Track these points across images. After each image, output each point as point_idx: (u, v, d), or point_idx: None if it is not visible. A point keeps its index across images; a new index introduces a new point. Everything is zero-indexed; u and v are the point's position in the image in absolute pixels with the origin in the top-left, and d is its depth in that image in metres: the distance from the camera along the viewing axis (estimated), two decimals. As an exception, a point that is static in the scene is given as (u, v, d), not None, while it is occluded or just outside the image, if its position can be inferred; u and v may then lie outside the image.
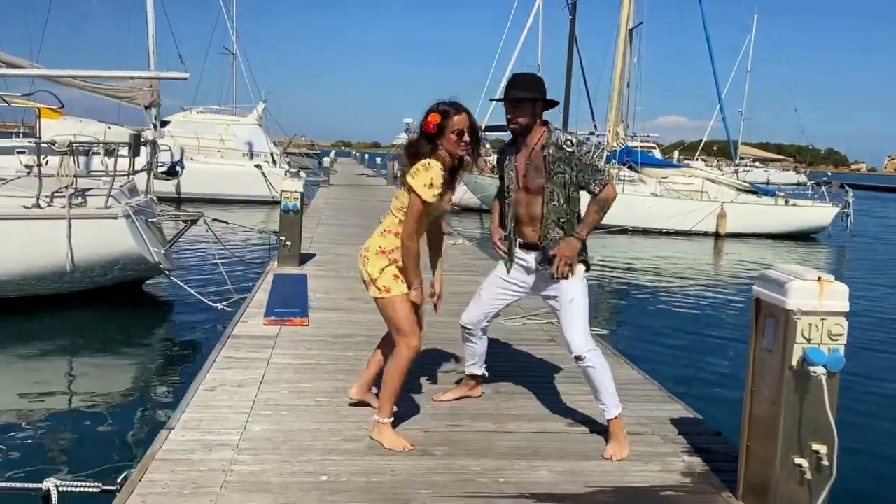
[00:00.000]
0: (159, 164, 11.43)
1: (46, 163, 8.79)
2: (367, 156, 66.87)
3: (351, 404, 4.12)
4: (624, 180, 23.68)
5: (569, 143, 3.68)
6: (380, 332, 4.14)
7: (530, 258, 3.85)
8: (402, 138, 22.03)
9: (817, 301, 2.88)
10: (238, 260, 11.96)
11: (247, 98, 33.66)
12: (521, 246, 3.86)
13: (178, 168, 13.63)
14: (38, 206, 8.28)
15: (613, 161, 24.58)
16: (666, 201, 23.23)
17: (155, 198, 10.21)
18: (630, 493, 3.28)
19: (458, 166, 3.63)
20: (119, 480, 3.29)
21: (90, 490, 3.42)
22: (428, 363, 5.01)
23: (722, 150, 49.69)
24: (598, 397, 3.70)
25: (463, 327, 4.12)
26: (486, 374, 4.35)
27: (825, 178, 29.02)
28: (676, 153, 39.76)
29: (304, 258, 9.27)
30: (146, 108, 16.71)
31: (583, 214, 3.73)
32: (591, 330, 3.96)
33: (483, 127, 4.19)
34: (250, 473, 3.27)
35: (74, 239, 8.32)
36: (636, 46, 26.70)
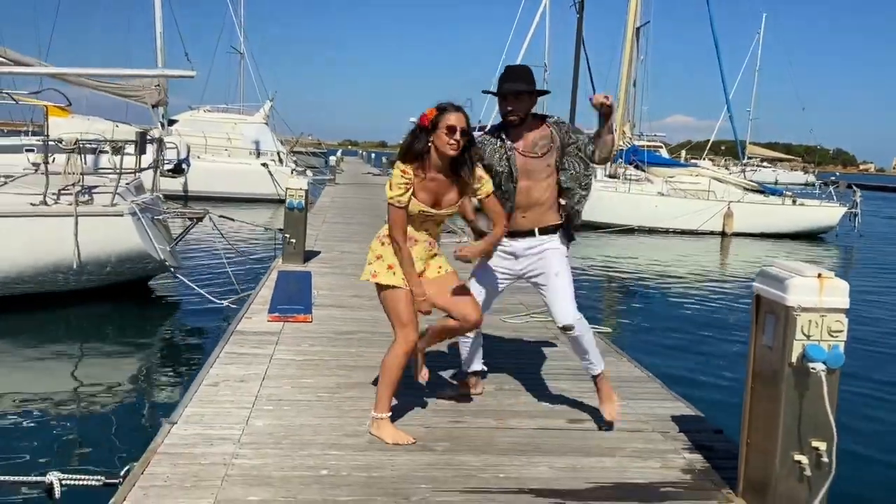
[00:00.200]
0: (165, 161, 11.48)
1: (53, 160, 8.85)
2: (373, 155, 66.86)
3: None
4: (630, 179, 23.67)
5: (557, 127, 3.84)
6: (381, 328, 4.15)
7: (517, 245, 3.91)
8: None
9: (817, 297, 2.88)
10: (243, 257, 12.00)
11: (254, 97, 33.61)
12: (508, 235, 3.88)
13: (183, 166, 13.69)
14: (44, 203, 8.33)
15: (620, 160, 24.56)
16: (672, 201, 23.15)
17: (161, 195, 10.26)
18: (630, 490, 3.28)
19: (458, 166, 3.52)
20: (121, 474, 3.31)
21: (93, 483, 3.45)
22: (430, 359, 5.02)
23: (730, 150, 49.64)
24: (586, 357, 3.90)
25: None
26: (486, 368, 4.36)
27: (833, 178, 28.89)
28: (683, 153, 39.70)
29: (309, 255, 9.30)
30: (153, 106, 16.81)
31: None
32: (592, 329, 4.06)
33: (489, 127, 4.20)
34: (251, 467, 3.29)
35: (81, 236, 8.36)
36: (643, 45, 26.67)
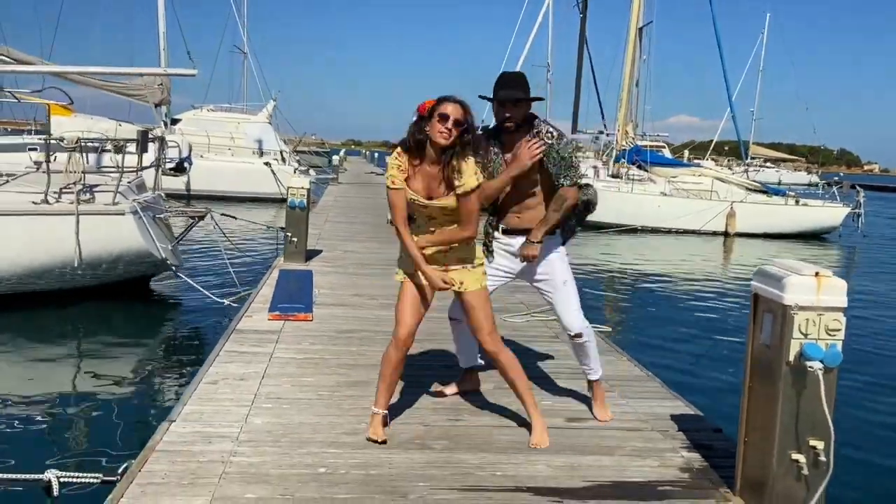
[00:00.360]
0: (167, 160, 11.49)
1: (55, 159, 8.86)
2: (376, 154, 66.82)
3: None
4: (633, 179, 23.64)
5: (549, 134, 3.82)
6: (383, 327, 4.16)
7: (515, 243, 3.96)
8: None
9: (815, 296, 2.87)
10: (245, 256, 12.01)
11: (257, 96, 33.62)
12: (505, 232, 4.00)
13: (185, 164, 13.69)
14: (46, 202, 8.34)
15: (623, 160, 24.54)
16: (675, 200, 23.12)
17: (163, 194, 10.26)
18: (627, 488, 3.28)
19: (451, 156, 3.44)
20: (119, 471, 3.32)
21: (91, 480, 3.46)
22: (429, 357, 5.03)
23: (733, 150, 49.44)
24: (587, 363, 4.05)
25: (451, 320, 4.17)
26: (482, 362, 4.36)
27: (836, 179, 28.83)
28: (686, 153, 39.60)
29: (311, 254, 9.31)
30: (156, 105, 16.85)
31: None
32: (593, 328, 4.15)
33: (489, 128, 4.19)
34: (249, 465, 3.29)
35: (82, 235, 8.37)
36: (646, 45, 26.66)
